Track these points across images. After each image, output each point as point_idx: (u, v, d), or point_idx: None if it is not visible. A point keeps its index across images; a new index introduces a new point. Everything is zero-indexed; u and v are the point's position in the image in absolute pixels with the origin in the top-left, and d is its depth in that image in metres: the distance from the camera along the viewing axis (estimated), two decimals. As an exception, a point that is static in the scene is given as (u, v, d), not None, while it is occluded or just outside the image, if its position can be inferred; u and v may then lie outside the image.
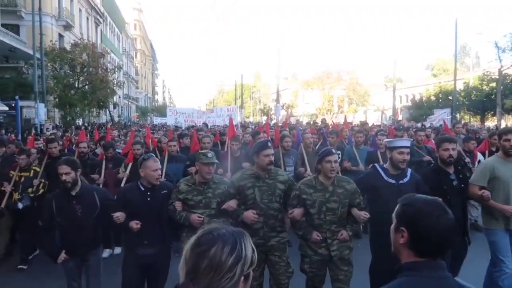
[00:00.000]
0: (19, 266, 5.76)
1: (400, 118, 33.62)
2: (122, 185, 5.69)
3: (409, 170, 4.00)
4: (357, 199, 3.81)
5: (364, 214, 3.63)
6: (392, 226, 1.62)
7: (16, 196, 5.81)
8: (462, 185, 4.14)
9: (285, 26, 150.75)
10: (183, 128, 16.59)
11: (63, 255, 3.77)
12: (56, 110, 25.80)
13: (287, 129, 9.79)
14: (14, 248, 6.22)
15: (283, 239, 3.95)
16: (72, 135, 12.75)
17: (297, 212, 3.75)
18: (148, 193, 3.86)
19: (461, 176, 4.21)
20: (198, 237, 1.20)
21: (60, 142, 7.53)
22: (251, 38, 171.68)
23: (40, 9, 19.00)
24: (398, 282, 1.50)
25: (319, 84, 55.53)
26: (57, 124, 23.74)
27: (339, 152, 6.65)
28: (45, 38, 21.37)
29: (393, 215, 1.63)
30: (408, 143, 4.01)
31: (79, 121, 26.99)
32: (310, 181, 3.86)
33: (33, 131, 15.74)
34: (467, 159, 6.49)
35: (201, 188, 3.93)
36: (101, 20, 42.36)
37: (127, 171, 6.08)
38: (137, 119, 48.21)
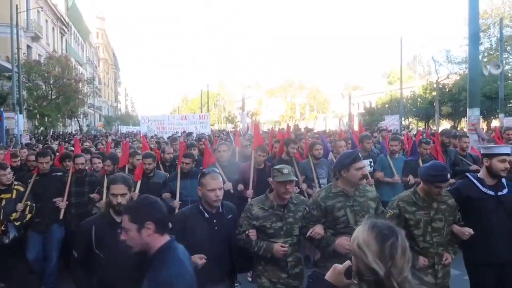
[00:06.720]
0: None
1: (355, 124, 36.39)
2: None
3: (504, 180, 3.59)
4: (457, 215, 3.46)
5: (468, 231, 3.31)
6: None
7: None
8: None
9: (247, 34, 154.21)
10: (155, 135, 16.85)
11: None
12: (25, 120, 26.30)
13: (301, 134, 8.48)
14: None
15: None
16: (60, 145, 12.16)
17: None
18: (215, 221, 3.18)
19: None
20: None
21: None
22: (214, 46, 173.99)
23: (17, 24, 19.83)
24: None
25: (282, 92, 58.38)
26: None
27: (370, 160, 6.36)
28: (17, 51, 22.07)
29: None
30: (509, 150, 3.60)
31: (51, 131, 27.58)
32: (410, 197, 3.39)
33: (13, 141, 16.55)
34: None
35: (280, 213, 3.33)
36: (66, 30, 42.57)
37: (137, 190, 5.21)
38: (102, 128, 48.43)
